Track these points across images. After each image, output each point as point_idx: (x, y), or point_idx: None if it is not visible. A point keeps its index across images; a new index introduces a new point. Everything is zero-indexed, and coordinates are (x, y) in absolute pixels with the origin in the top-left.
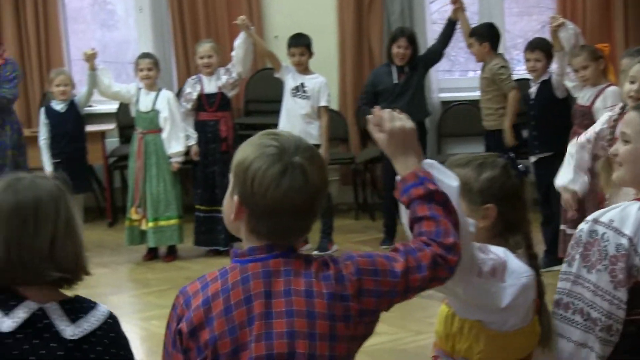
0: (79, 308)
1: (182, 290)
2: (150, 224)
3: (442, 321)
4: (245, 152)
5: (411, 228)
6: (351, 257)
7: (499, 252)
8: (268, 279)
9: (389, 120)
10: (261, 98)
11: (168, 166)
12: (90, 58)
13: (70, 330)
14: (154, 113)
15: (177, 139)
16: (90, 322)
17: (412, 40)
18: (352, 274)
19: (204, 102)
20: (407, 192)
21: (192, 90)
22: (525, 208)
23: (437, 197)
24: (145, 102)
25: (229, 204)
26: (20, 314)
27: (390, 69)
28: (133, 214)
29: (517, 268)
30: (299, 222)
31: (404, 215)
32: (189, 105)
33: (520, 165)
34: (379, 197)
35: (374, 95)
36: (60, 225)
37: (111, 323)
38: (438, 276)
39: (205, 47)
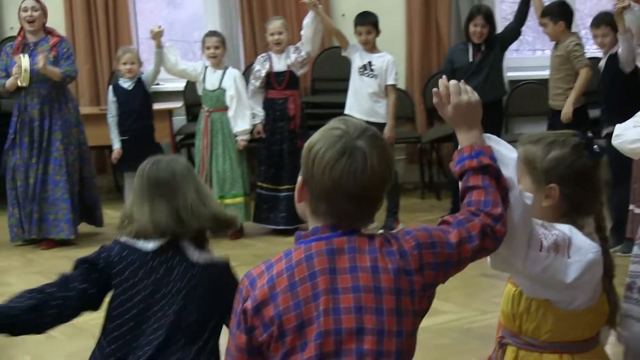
0: (205, 244)
1: (247, 273)
2: None
3: (508, 301)
4: (314, 136)
5: (462, 198)
6: (409, 232)
7: (564, 228)
8: (332, 256)
9: (455, 94)
10: (328, 77)
11: (234, 144)
12: (157, 36)
13: (195, 256)
14: (220, 91)
15: (243, 117)
16: (213, 256)
17: (488, 19)
18: (413, 248)
19: (272, 80)
20: (461, 163)
21: (261, 67)
22: (596, 189)
23: (490, 170)
24: (211, 80)
25: (297, 185)
26: (159, 241)
27: (467, 47)
28: None
29: (584, 244)
30: (357, 207)
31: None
32: (258, 83)
33: (596, 146)
34: (445, 176)
35: (452, 72)
36: (192, 192)
37: (229, 266)
38: (485, 247)
39: (275, 24)
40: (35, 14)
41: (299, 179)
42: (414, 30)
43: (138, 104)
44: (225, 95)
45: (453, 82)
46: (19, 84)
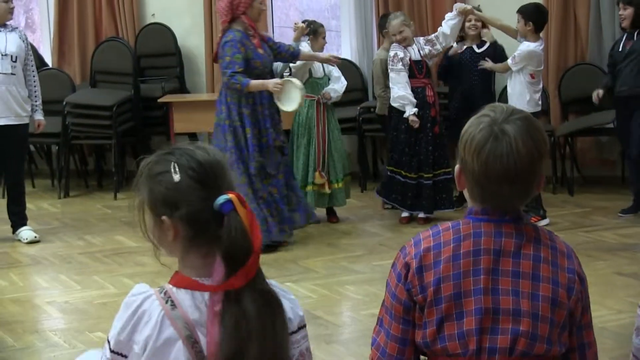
0: None
1: (415, 236)
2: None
3: None
4: (468, 123)
5: None
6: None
7: None
8: (499, 239)
9: None
10: None
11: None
12: (300, 31)
13: None
14: (326, 78)
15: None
16: None
17: (630, 2)
18: (580, 264)
19: (413, 68)
20: None
21: (404, 55)
22: None
23: None
24: (317, 69)
25: (456, 172)
26: None
27: (623, 36)
28: (318, 178)
29: None
30: (509, 189)
31: None
32: (405, 69)
33: None
34: (578, 171)
35: (613, 64)
36: None
37: None
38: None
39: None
40: None
41: (457, 166)
42: (551, 22)
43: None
44: (329, 81)
45: None
46: (276, 101)
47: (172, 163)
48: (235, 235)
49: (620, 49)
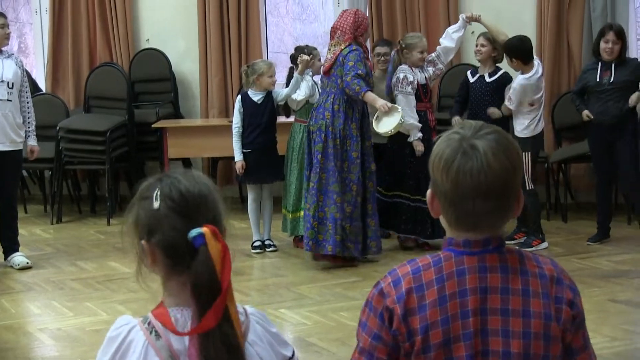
0: None
1: (391, 271)
2: None
3: None
4: (437, 142)
5: None
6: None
7: None
8: (484, 274)
9: None
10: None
11: None
12: (305, 64)
13: None
14: (309, 105)
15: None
16: None
17: (620, 36)
18: (570, 286)
19: (420, 91)
20: None
21: (413, 78)
22: None
23: None
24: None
25: (428, 198)
26: None
27: (597, 65)
28: None
29: None
30: (482, 206)
31: None
32: (414, 92)
33: None
34: (572, 197)
35: (582, 92)
36: None
37: None
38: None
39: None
40: None
41: (428, 191)
42: (544, 48)
43: (265, 118)
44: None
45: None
46: (373, 118)
47: (157, 189)
48: (201, 272)
49: (598, 79)
